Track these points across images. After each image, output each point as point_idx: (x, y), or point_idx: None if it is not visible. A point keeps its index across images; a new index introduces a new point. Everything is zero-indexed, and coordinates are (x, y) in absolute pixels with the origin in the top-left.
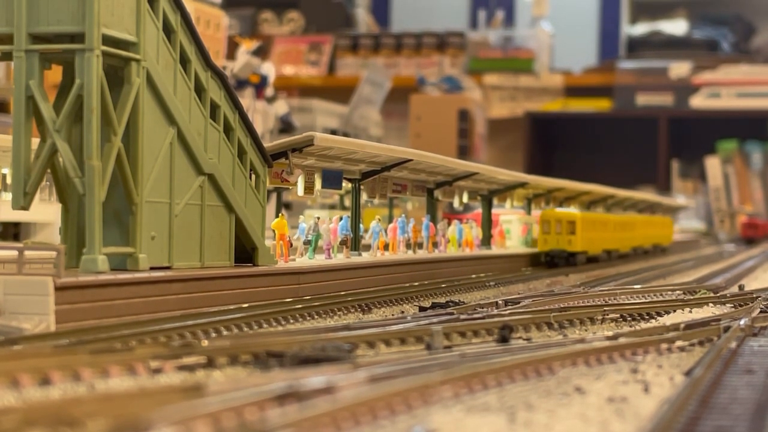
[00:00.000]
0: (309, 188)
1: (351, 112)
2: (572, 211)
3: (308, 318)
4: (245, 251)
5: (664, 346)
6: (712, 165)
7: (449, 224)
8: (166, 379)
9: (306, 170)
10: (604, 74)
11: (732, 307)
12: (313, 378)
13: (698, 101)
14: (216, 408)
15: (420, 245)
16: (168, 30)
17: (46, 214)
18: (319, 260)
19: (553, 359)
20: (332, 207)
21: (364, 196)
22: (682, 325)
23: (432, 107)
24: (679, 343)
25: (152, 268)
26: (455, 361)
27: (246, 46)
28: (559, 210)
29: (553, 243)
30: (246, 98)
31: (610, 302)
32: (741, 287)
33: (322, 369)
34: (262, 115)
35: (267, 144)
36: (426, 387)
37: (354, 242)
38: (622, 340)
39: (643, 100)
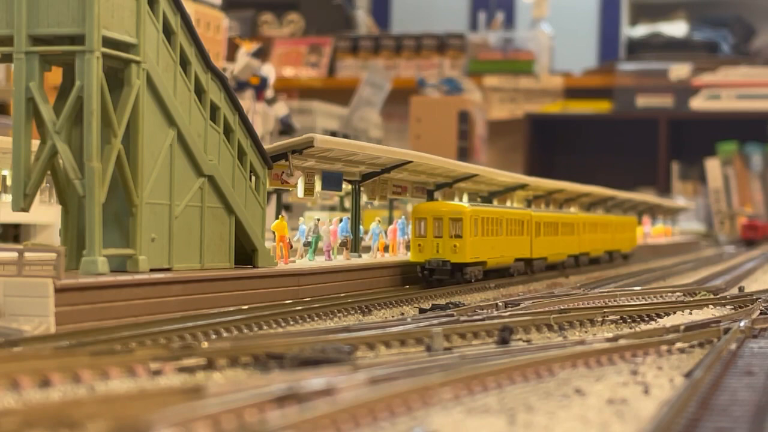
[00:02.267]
0: (309, 190)
1: (351, 113)
2: (458, 203)
3: (308, 320)
4: (245, 253)
5: (664, 347)
6: (712, 167)
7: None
8: (166, 381)
9: (306, 172)
10: (604, 76)
11: (732, 308)
12: (313, 380)
13: (698, 103)
14: (216, 410)
15: None
16: (168, 32)
17: (46, 216)
18: (319, 262)
19: (553, 361)
20: (332, 209)
21: (364, 198)
22: (682, 327)
23: (432, 109)
24: (679, 344)
25: (152, 270)
26: (455, 363)
27: (246, 48)
28: (439, 203)
29: (431, 250)
30: (246, 100)
31: (610, 304)
32: (741, 289)
33: (322, 371)
34: (262, 116)
35: (267, 146)
36: (426, 388)
37: (354, 244)
38: (622, 342)
39: (643, 101)
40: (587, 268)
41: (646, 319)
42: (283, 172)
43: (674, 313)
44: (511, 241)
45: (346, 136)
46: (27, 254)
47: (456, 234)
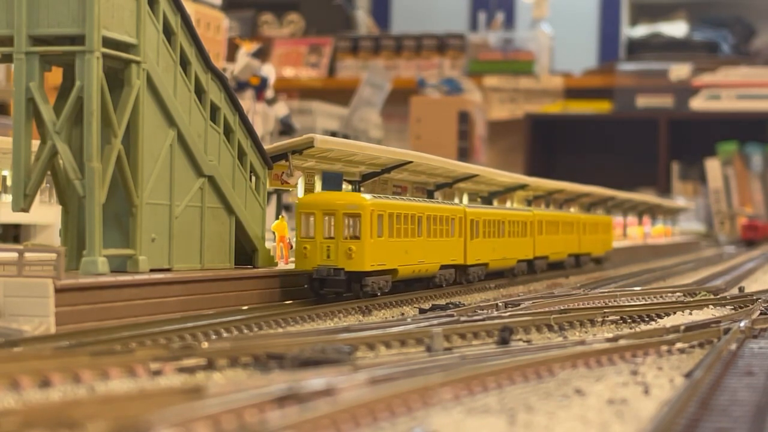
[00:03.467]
0: (309, 190)
1: (351, 114)
2: (356, 194)
3: (308, 320)
4: (245, 253)
5: (664, 348)
6: (712, 167)
7: None
8: (166, 381)
9: (306, 172)
10: (604, 76)
11: (732, 309)
12: (314, 380)
13: (698, 103)
14: (216, 410)
15: None
16: (168, 32)
17: (47, 216)
18: None
19: (553, 361)
20: None
21: None
22: (683, 327)
23: (432, 109)
24: (679, 345)
25: (152, 270)
26: (455, 363)
27: (246, 48)
28: (331, 193)
29: (320, 255)
30: (246, 100)
31: (610, 304)
32: (741, 289)
33: (322, 371)
34: (263, 117)
35: (267, 146)
36: (426, 389)
37: None
38: (622, 342)
39: (643, 102)
40: (545, 275)
41: (647, 319)
42: (283, 173)
43: (674, 313)
44: (435, 244)
45: (346, 137)
46: (27, 254)
47: (352, 234)
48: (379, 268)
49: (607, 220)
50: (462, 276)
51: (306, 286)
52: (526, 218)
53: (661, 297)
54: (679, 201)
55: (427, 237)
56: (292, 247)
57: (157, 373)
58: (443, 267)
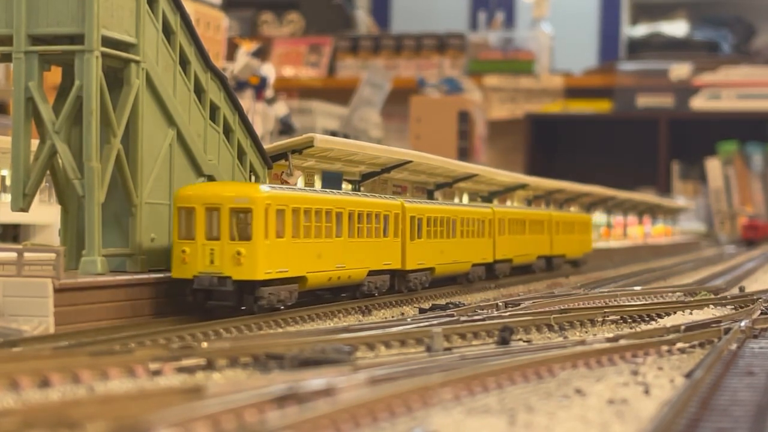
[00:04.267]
0: None
1: (351, 113)
2: (248, 184)
3: (308, 320)
4: None
5: (664, 347)
6: (713, 166)
7: None
8: (166, 381)
9: (306, 172)
10: (605, 76)
11: (732, 308)
12: (313, 380)
13: (698, 103)
14: (216, 410)
15: None
16: (168, 31)
17: (46, 216)
18: None
19: (553, 361)
20: None
21: None
22: (683, 327)
23: (432, 109)
24: (679, 344)
25: (151, 270)
26: (455, 363)
27: (246, 48)
28: (216, 184)
29: (201, 260)
30: (246, 100)
31: (610, 304)
32: (741, 289)
33: (322, 371)
34: (262, 116)
35: (267, 145)
36: (426, 389)
37: None
38: (622, 342)
39: (643, 101)
40: (508, 280)
41: (647, 319)
42: (283, 172)
43: (675, 313)
44: (363, 245)
45: (346, 136)
46: (26, 254)
47: (242, 235)
48: (280, 275)
49: (585, 218)
50: (401, 283)
51: (188, 298)
52: (484, 216)
53: (662, 297)
54: (680, 201)
55: (349, 237)
56: None
57: (157, 373)
58: (373, 273)
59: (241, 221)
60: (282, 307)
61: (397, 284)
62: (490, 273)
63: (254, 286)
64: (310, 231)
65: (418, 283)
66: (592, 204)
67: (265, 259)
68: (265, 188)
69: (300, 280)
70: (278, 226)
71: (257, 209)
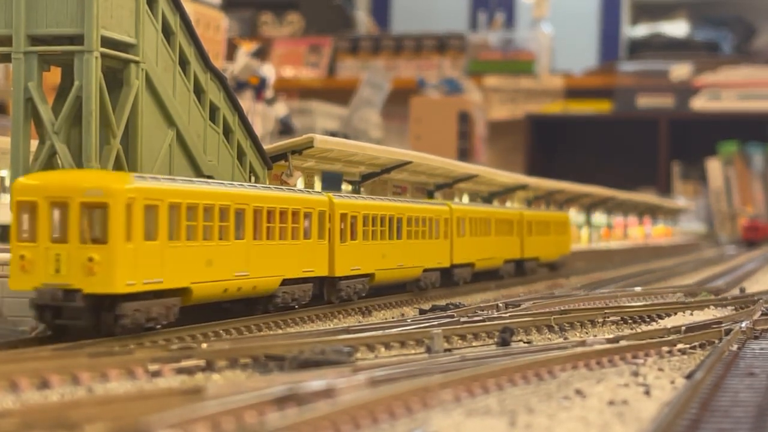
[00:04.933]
0: None
1: (351, 114)
2: (104, 173)
3: (308, 321)
4: None
5: (665, 348)
6: (713, 167)
7: None
8: (165, 383)
9: (306, 172)
10: (605, 76)
11: (733, 309)
12: (313, 381)
13: (699, 103)
14: (215, 411)
15: None
16: (167, 32)
17: None
18: None
19: (553, 362)
20: None
21: None
22: (684, 328)
23: (432, 109)
24: (680, 345)
25: None
26: (455, 364)
27: (246, 48)
28: (64, 172)
29: (45, 269)
30: (246, 100)
31: (610, 305)
32: (742, 290)
33: (321, 372)
34: (262, 117)
35: (267, 146)
36: (426, 390)
37: None
38: (623, 343)
39: (643, 102)
40: (472, 286)
41: (647, 320)
42: (282, 173)
43: (675, 314)
44: (264, 250)
45: (346, 137)
46: None
47: (95, 237)
48: (150, 288)
49: (563, 217)
50: (331, 292)
51: (35, 317)
52: (439, 214)
53: (662, 297)
54: (680, 201)
55: (255, 240)
56: None
57: (156, 374)
58: (288, 282)
59: (95, 220)
60: (158, 327)
61: (326, 294)
62: (448, 279)
63: (114, 301)
64: (196, 232)
65: (352, 291)
66: (592, 204)
67: (127, 267)
68: (131, 178)
69: (182, 292)
70: (148, 226)
71: (116, 205)
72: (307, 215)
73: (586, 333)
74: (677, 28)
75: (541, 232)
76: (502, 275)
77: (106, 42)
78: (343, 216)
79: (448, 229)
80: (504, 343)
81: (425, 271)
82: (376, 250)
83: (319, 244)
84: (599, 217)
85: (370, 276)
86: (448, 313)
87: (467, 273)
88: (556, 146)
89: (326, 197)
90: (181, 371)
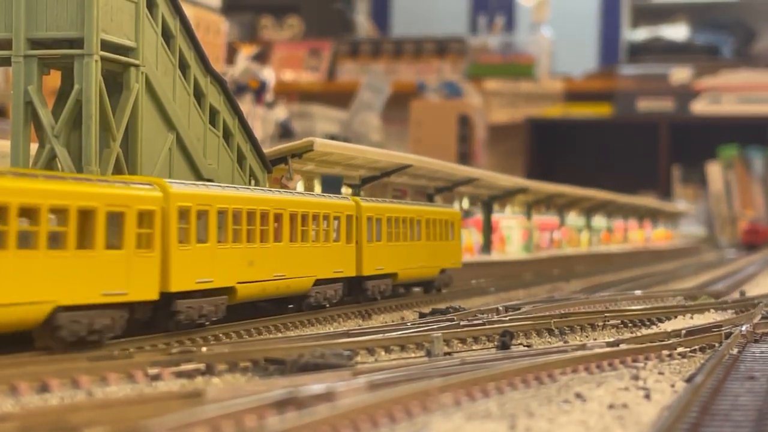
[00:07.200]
0: None
1: (351, 117)
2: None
3: (308, 324)
4: None
5: (665, 352)
6: (713, 170)
7: None
8: (165, 386)
9: (306, 176)
10: (605, 80)
11: (733, 313)
12: (313, 385)
13: (699, 107)
14: (215, 414)
15: None
16: (167, 35)
17: None
18: None
19: (553, 366)
20: None
21: None
22: (684, 332)
23: (432, 113)
24: (680, 349)
25: None
26: (455, 368)
27: (246, 52)
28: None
29: None
30: (246, 104)
31: (610, 308)
32: (742, 293)
33: (321, 376)
34: (262, 120)
35: (267, 149)
36: (426, 394)
37: None
38: (623, 347)
39: (643, 105)
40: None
41: (647, 323)
42: (282, 176)
43: (675, 317)
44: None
45: (346, 140)
46: None
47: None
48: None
49: (453, 214)
50: (167, 319)
51: None
52: (339, 210)
53: (662, 301)
54: (680, 205)
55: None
56: None
57: (156, 377)
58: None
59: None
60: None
61: (167, 321)
62: (359, 292)
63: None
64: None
65: (197, 315)
66: (592, 208)
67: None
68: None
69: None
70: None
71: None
72: (141, 216)
73: (587, 336)
74: (677, 32)
75: (407, 237)
76: (437, 287)
77: (106, 45)
78: (181, 211)
79: (356, 231)
80: (504, 346)
81: (317, 282)
82: (241, 256)
83: (141, 258)
84: (599, 221)
85: (230, 291)
86: (448, 316)
87: (386, 285)
88: (556, 150)
89: (159, 193)
90: (180, 375)
